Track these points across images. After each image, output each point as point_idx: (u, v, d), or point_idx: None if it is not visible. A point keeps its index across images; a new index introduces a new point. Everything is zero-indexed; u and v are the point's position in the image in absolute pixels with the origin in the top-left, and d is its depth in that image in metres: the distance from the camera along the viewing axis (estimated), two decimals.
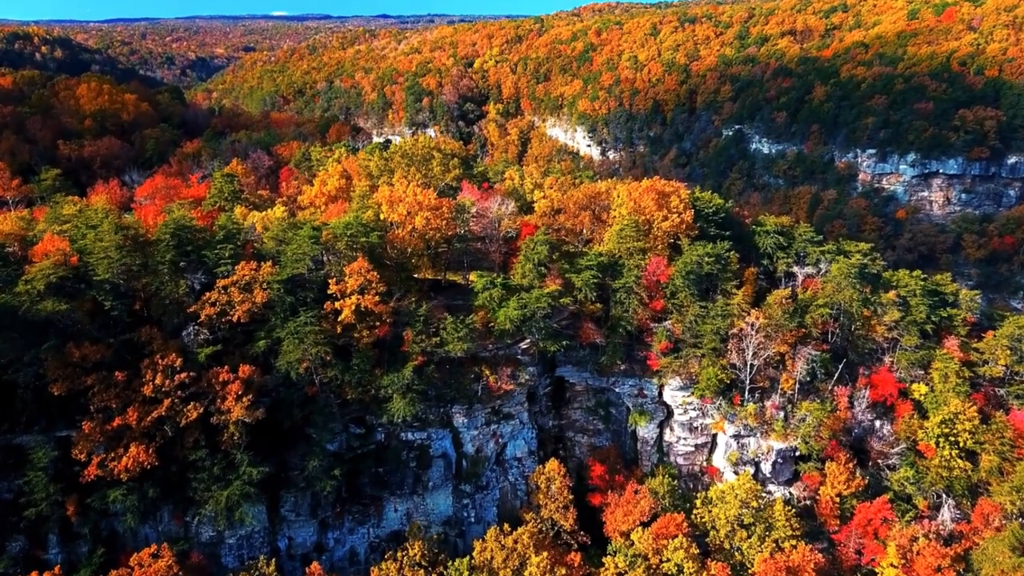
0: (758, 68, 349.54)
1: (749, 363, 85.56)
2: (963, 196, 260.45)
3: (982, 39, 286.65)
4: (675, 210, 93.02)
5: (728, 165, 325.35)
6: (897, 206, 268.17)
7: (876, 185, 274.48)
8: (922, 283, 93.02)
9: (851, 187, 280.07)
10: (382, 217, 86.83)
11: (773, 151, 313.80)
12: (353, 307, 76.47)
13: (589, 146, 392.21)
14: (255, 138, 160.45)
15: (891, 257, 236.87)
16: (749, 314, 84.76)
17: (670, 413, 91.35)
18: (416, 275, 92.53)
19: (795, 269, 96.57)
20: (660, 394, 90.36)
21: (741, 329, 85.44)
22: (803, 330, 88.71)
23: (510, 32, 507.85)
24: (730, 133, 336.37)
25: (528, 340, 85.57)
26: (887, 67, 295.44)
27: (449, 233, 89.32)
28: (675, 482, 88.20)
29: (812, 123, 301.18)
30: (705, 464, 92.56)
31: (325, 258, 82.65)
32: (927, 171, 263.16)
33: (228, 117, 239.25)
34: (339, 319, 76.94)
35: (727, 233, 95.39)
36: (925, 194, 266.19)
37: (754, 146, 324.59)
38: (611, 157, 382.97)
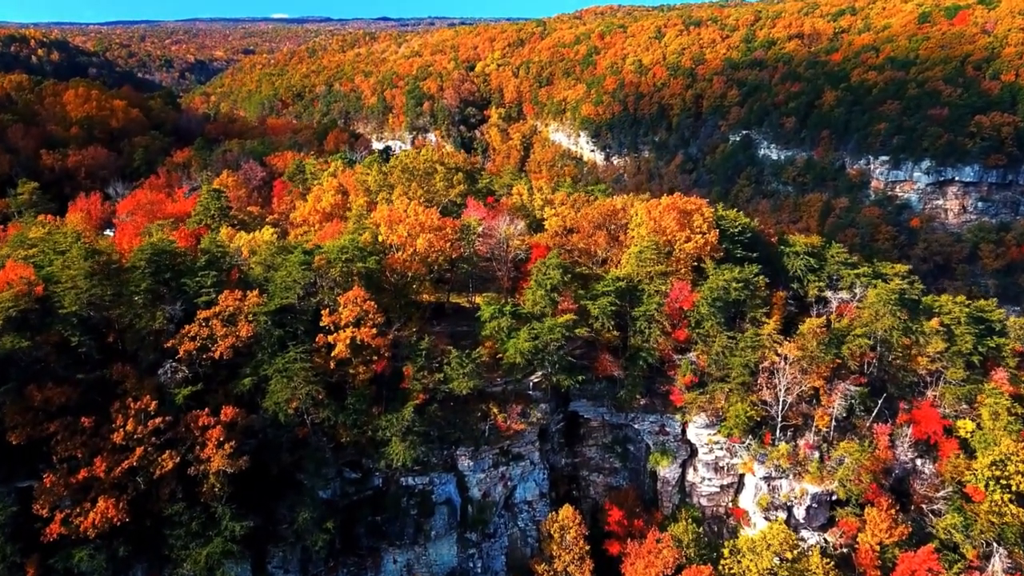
0: (766, 72, 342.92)
1: (782, 399, 78.28)
2: (979, 204, 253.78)
3: (997, 43, 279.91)
4: (699, 230, 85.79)
5: (736, 171, 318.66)
6: (911, 214, 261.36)
7: (889, 193, 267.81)
8: (966, 310, 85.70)
9: (863, 195, 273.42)
10: (380, 239, 79.61)
11: (782, 157, 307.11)
12: (348, 341, 69.27)
13: (593, 151, 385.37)
14: (248, 148, 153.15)
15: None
16: (782, 346, 77.45)
17: (694, 451, 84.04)
18: (417, 298, 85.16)
19: (828, 294, 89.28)
20: (683, 432, 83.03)
21: (773, 362, 78.16)
22: (838, 361, 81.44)
23: (512, 35, 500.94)
24: (737, 138, 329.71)
25: (540, 373, 78.31)
26: (899, 72, 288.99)
27: (453, 256, 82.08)
28: (699, 528, 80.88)
29: (822, 128, 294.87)
30: (731, 506, 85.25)
31: (319, 280, 75.40)
32: (942, 179, 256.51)
33: (223, 123, 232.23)
34: (332, 354, 69.75)
35: (754, 255, 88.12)
36: (940, 202, 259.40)
37: (762, 152, 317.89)
38: (615, 162, 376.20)
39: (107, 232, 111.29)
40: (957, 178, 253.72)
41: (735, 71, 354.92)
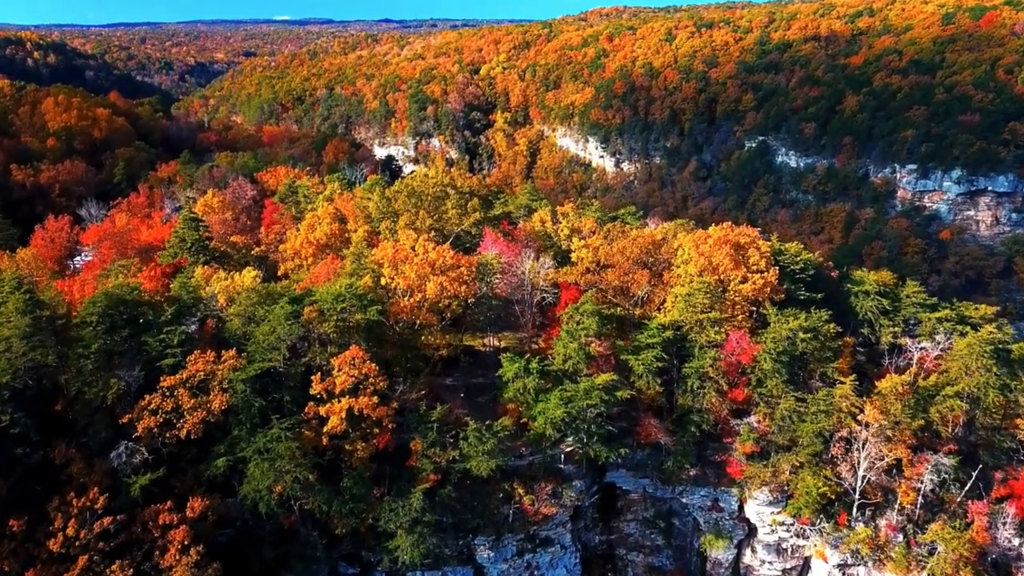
0: (782, 76, 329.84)
1: (861, 474, 65.69)
2: (1013, 215, 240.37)
3: None
4: (755, 268, 73.24)
5: (752, 179, 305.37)
6: (940, 226, 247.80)
7: (917, 203, 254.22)
8: None
9: (889, 205, 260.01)
10: (383, 282, 67.21)
11: (801, 165, 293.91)
12: (344, 413, 56.97)
13: (602, 157, 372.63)
14: (238, 163, 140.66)
15: (936, 282, 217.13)
16: (862, 411, 64.87)
17: (752, 530, 71.47)
18: (425, 350, 72.67)
19: (905, 341, 76.60)
20: (740, 508, 70.46)
21: (851, 429, 65.61)
22: (923, 421, 68.75)
23: (517, 37, 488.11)
24: (753, 145, 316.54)
25: (573, 441, 65.85)
26: (924, 75, 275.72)
27: (469, 300, 69.64)
28: None
29: (844, 135, 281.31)
30: None
31: (310, 333, 63.08)
32: (974, 188, 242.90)
33: (217, 131, 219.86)
34: (325, 428, 57.52)
35: (818, 296, 75.61)
36: (971, 213, 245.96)
37: (780, 159, 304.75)
38: (625, 169, 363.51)
39: (77, 260, 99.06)
40: (990, 188, 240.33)
41: (749, 74, 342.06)
